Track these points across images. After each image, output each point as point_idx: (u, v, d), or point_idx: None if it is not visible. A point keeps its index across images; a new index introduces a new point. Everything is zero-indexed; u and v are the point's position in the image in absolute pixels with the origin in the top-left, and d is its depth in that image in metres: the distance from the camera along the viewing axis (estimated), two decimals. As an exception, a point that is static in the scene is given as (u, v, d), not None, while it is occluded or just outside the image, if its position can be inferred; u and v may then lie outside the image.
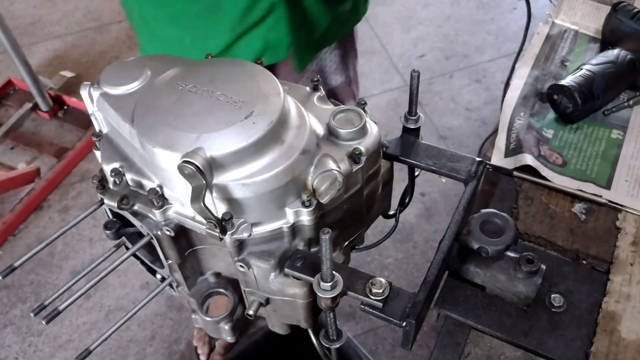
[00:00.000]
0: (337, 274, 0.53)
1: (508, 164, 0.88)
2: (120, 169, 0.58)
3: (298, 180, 0.55)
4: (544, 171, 0.86)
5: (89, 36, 2.78)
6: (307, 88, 0.64)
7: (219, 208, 0.54)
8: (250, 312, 0.62)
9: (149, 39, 1.11)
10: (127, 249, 0.66)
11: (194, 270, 0.65)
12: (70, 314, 1.83)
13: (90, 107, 0.62)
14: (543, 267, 0.66)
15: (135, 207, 0.58)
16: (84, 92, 0.61)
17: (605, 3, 1.13)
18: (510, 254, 0.67)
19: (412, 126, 0.67)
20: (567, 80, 0.92)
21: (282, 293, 0.60)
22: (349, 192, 0.59)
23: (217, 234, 0.53)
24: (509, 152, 0.89)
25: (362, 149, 0.58)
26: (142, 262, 0.69)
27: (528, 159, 0.86)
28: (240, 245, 0.56)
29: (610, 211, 0.82)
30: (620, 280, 0.74)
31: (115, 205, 0.57)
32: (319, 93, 0.64)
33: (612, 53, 0.96)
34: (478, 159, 0.66)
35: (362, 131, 0.59)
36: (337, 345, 0.61)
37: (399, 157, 0.67)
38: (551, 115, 0.95)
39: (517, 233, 0.65)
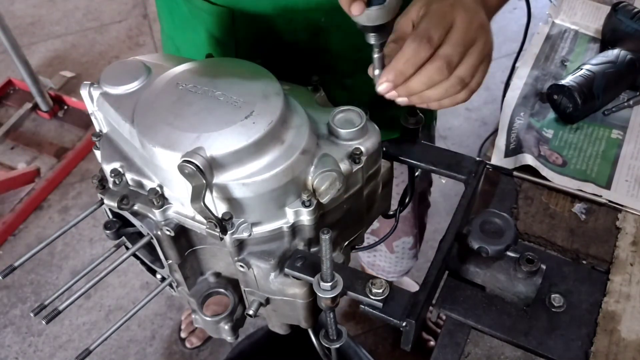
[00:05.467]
0: (337, 274, 0.53)
1: (508, 164, 0.88)
2: (120, 169, 0.58)
3: (298, 180, 0.55)
4: (544, 171, 0.86)
5: (89, 36, 2.78)
6: (308, 88, 0.64)
7: (219, 208, 0.54)
8: (250, 312, 0.62)
9: None
10: (127, 249, 0.66)
11: (194, 270, 0.65)
12: (70, 314, 1.83)
13: (90, 107, 0.62)
14: (543, 267, 0.66)
15: (135, 207, 0.57)
16: (84, 92, 0.61)
17: (605, 3, 1.13)
18: (510, 254, 0.66)
19: (412, 126, 0.67)
20: (567, 80, 0.92)
21: (282, 293, 0.60)
22: (349, 192, 0.59)
23: (217, 234, 0.53)
24: (509, 152, 0.89)
25: (362, 149, 0.58)
26: (142, 262, 0.69)
27: (528, 159, 0.86)
28: (240, 245, 0.56)
29: (610, 211, 0.82)
30: (620, 280, 0.74)
31: (115, 205, 0.57)
32: (319, 93, 0.64)
33: (612, 53, 0.96)
34: (478, 159, 0.66)
35: (362, 131, 0.59)
36: (337, 345, 0.61)
37: (399, 157, 0.67)
38: (551, 115, 0.95)
39: (517, 233, 0.65)
